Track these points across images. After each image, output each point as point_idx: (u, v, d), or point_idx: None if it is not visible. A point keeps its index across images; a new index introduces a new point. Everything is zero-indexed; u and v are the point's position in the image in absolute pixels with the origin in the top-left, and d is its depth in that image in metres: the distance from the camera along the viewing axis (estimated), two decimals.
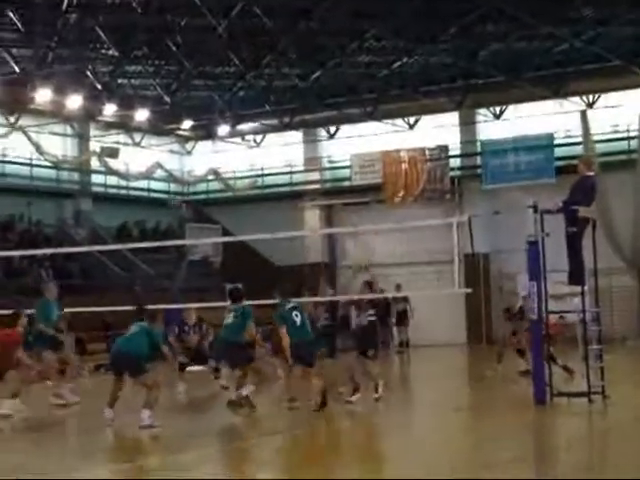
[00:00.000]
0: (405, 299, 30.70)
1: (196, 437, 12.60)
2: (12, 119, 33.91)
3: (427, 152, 35.17)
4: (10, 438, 13.67)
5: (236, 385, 14.75)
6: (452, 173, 35.28)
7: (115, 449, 12.39)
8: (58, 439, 13.81)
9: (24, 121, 33.95)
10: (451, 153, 35.34)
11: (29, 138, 33.21)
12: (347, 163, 37.11)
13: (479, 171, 34.93)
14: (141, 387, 13.49)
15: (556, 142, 33.58)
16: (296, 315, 14.63)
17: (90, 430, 13.58)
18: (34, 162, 34.51)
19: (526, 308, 16.42)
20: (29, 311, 16.42)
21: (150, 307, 14.52)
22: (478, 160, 35.24)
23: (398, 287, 28.60)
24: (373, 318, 16.14)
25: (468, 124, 35.62)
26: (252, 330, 15.00)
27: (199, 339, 19.33)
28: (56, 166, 35.55)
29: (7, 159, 33.92)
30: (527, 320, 16.15)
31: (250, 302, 17.61)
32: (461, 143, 35.82)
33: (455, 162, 35.87)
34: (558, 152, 33.32)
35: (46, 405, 16.12)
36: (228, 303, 15.17)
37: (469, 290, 20.23)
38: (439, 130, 35.59)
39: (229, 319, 14.61)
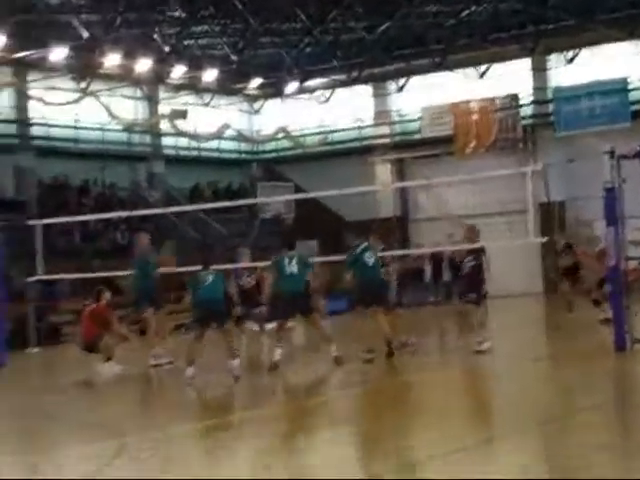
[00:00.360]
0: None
1: (271, 393, 12.70)
2: (83, 85, 34.19)
3: (498, 101, 34.68)
4: (101, 397, 13.89)
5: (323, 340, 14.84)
6: (524, 121, 34.74)
7: (201, 406, 12.49)
8: (148, 397, 13.99)
9: (95, 86, 34.20)
10: (523, 101, 34.79)
11: (100, 103, 33.48)
12: (417, 116, 36.77)
13: (552, 118, 34.35)
14: (223, 336, 13.63)
15: (631, 86, 32.86)
16: (368, 257, 14.77)
17: (175, 388, 13.76)
18: (106, 127, 34.82)
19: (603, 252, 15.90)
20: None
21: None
22: (551, 107, 34.65)
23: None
24: (473, 263, 15.89)
25: (540, 70, 34.99)
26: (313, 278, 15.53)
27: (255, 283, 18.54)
28: (127, 130, 35.84)
29: (80, 125, 34.26)
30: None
31: (322, 258, 17.73)
32: (533, 90, 35.21)
33: (527, 110, 35.30)
34: (633, 96, 32.63)
35: (139, 365, 16.26)
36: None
37: (544, 239, 19.91)
38: (510, 78, 35.01)
39: (293, 268, 14.68)
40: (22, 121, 32.98)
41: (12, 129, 33.07)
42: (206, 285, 14.14)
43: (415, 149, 36.54)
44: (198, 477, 7.79)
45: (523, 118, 34.75)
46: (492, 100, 34.69)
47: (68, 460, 8.84)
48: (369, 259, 14.80)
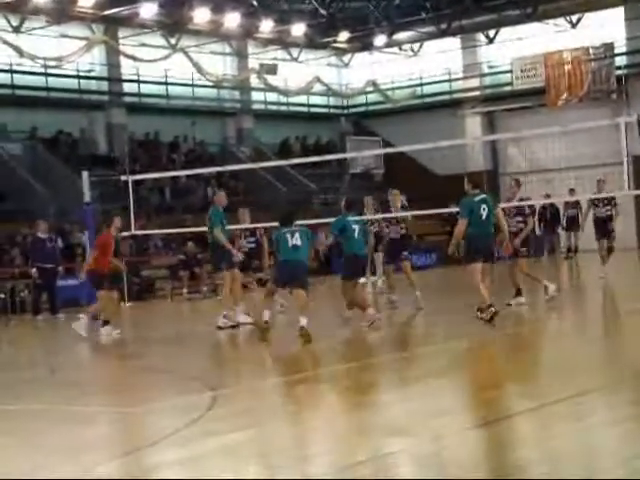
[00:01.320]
0: (576, 204, 29.76)
1: (357, 349, 12.68)
2: (173, 41, 34.40)
3: (591, 51, 33.90)
4: (187, 351, 14.07)
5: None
6: (618, 72, 33.93)
7: (278, 362, 12.55)
8: (221, 354, 14.14)
9: (184, 42, 34.41)
10: (617, 51, 33.94)
11: (190, 59, 33.66)
12: (508, 67, 36.19)
13: None
14: (297, 295, 13.64)
15: None
16: (483, 209, 13.56)
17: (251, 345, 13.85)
18: (196, 82, 35.03)
19: None
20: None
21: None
22: None
23: (571, 192, 27.64)
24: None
25: (635, 19, 34.05)
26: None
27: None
28: (217, 85, 36.00)
29: (170, 81, 34.52)
30: None
31: (413, 212, 17.55)
32: (627, 40, 34.32)
33: (621, 60, 34.45)
34: None
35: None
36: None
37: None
38: (603, 27, 34.16)
39: (356, 233, 14.59)
40: (113, 78, 33.37)
41: (104, 86, 33.51)
42: (295, 245, 13.63)
43: (506, 101, 36.02)
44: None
45: (618, 68, 33.93)
46: (586, 49, 33.93)
47: (164, 413, 8.97)
48: (483, 212, 13.60)
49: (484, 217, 13.57)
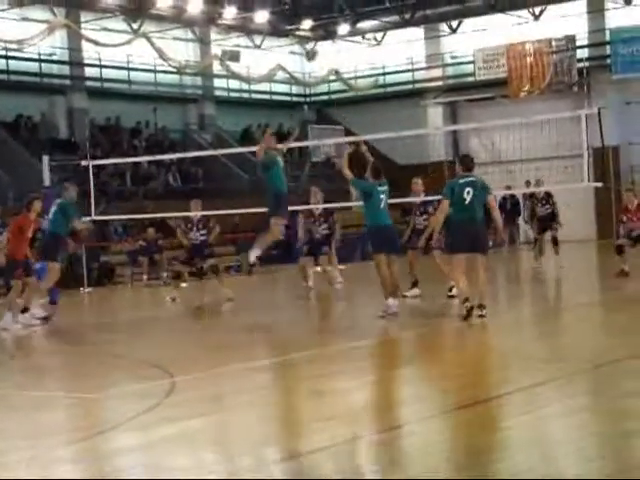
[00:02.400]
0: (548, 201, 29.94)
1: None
2: (135, 26, 34.17)
3: (553, 43, 34.07)
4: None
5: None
6: (580, 64, 34.17)
7: (239, 348, 12.56)
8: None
9: (147, 27, 34.19)
10: (578, 43, 34.17)
11: (152, 44, 33.45)
12: (470, 58, 36.29)
13: (608, 61, 33.76)
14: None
15: None
16: (467, 192, 12.57)
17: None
18: (158, 68, 34.84)
19: None
20: None
21: None
22: (607, 49, 34.02)
23: (527, 184, 27.84)
24: None
25: (596, 12, 34.31)
26: None
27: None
28: (179, 71, 35.82)
29: (132, 66, 34.30)
30: None
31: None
32: (589, 32, 34.57)
33: (583, 52, 34.69)
34: None
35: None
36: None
37: (599, 184, 19.68)
38: (565, 20, 34.38)
39: (382, 203, 13.63)
40: (75, 62, 33.09)
41: (65, 70, 33.23)
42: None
43: (468, 92, 36.14)
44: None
45: (579, 60, 34.17)
46: (548, 41, 34.11)
47: (122, 399, 8.95)
48: (467, 196, 12.57)
49: (468, 201, 12.51)
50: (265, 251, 15.12)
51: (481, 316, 12.48)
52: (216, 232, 18.55)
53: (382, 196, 13.68)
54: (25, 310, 15.26)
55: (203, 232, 18.20)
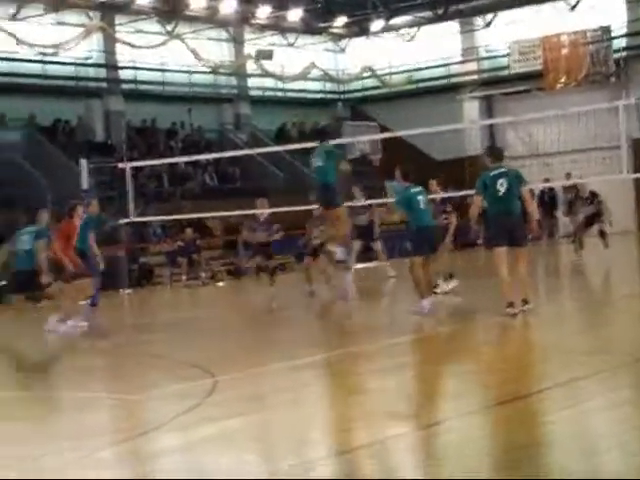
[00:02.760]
0: (574, 188, 29.77)
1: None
2: (169, 27, 34.31)
3: (589, 34, 33.81)
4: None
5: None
6: (617, 54, 33.85)
7: (280, 346, 12.59)
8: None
9: (181, 29, 34.31)
10: (615, 33, 33.86)
11: (186, 45, 33.57)
12: (505, 51, 36.10)
13: None
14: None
15: None
16: (501, 184, 12.31)
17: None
18: (192, 69, 34.96)
19: None
20: None
21: None
22: None
23: (568, 176, 27.68)
24: None
25: (634, 1, 33.96)
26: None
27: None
28: (214, 72, 35.93)
29: (166, 67, 34.44)
30: None
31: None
32: (628, 22, 34.22)
33: (620, 42, 34.36)
34: None
35: None
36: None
37: (638, 175, 19.52)
38: (602, 10, 34.05)
39: (422, 204, 13.53)
40: (111, 65, 33.30)
41: (101, 73, 33.43)
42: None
43: (504, 85, 35.94)
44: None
45: (616, 51, 33.86)
46: (584, 32, 33.83)
47: (162, 400, 8.99)
48: (501, 187, 12.31)
49: (502, 193, 12.24)
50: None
51: (523, 311, 12.27)
52: (280, 232, 18.54)
53: (419, 197, 13.58)
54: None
55: (269, 231, 18.25)
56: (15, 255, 15.11)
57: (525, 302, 12.34)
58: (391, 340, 11.54)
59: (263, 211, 18.56)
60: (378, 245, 20.86)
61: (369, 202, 18.93)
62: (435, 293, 14.90)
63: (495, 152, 12.93)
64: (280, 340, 12.54)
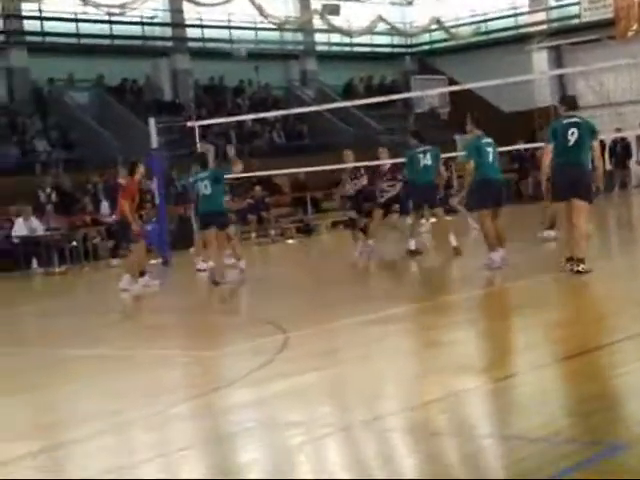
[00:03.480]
0: None
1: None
2: None
3: None
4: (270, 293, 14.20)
5: None
6: None
7: (351, 303, 12.62)
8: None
9: None
10: None
11: (252, 2, 33.47)
12: (575, 0, 35.40)
13: None
14: None
15: None
16: (571, 133, 11.67)
17: None
18: (258, 25, 34.88)
19: None
20: None
21: None
22: None
23: None
24: None
25: None
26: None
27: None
28: (280, 28, 35.81)
29: (232, 24, 34.41)
30: None
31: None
32: None
33: None
34: None
35: None
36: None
37: None
38: None
39: (490, 156, 13.38)
40: (177, 24, 33.37)
41: (168, 32, 33.54)
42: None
43: (573, 35, 35.26)
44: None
45: None
46: None
47: (236, 356, 9.10)
48: (572, 137, 11.67)
49: (572, 143, 11.61)
50: None
51: (578, 272, 11.53)
52: (363, 182, 18.08)
53: (488, 149, 13.41)
54: (142, 274, 15.53)
55: (356, 182, 17.89)
56: None
57: (579, 262, 11.60)
58: (461, 295, 11.51)
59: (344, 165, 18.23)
60: (454, 200, 20.99)
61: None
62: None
63: (569, 100, 12.55)
64: (354, 295, 12.57)
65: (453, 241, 15.49)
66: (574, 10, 35.64)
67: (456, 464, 5.28)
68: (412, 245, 16.03)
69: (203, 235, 16.20)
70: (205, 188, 15.33)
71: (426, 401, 6.52)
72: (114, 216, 17.27)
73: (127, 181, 15.63)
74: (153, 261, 16.36)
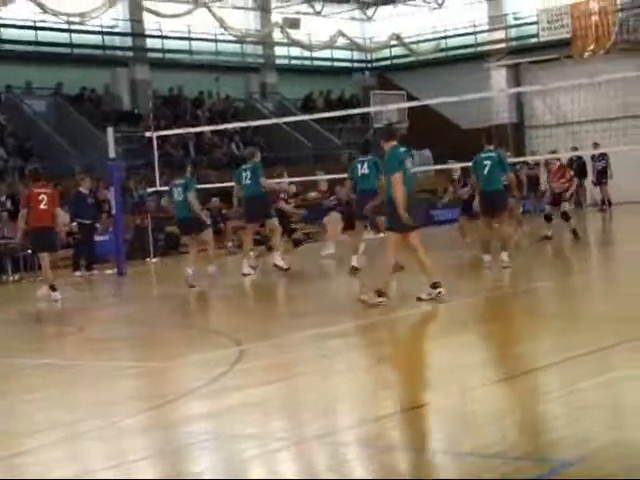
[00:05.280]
0: (603, 157, 29.83)
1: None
2: None
3: (619, 1, 33.40)
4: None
5: None
6: None
7: (307, 315, 12.62)
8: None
9: None
10: None
11: (213, 14, 33.47)
12: (534, 19, 35.75)
13: None
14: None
15: None
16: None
17: None
18: (219, 37, 34.86)
19: None
20: None
21: None
22: None
23: (595, 145, 27.72)
24: None
25: None
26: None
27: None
28: (240, 40, 35.82)
29: (193, 36, 34.35)
30: None
31: (438, 166, 17.58)
32: None
33: None
34: None
35: None
36: None
37: None
38: None
39: (485, 170, 14.56)
40: (137, 34, 33.27)
41: (128, 42, 33.42)
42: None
43: (532, 53, 35.63)
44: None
45: None
46: (613, 0, 33.42)
47: (190, 367, 9.05)
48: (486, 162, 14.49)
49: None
50: None
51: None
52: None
53: (485, 162, 14.48)
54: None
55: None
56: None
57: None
58: (411, 310, 11.54)
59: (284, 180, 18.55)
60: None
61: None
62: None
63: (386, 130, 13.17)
64: (306, 310, 12.56)
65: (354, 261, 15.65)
66: (533, 29, 36.00)
67: (409, 479, 5.29)
68: (354, 261, 15.81)
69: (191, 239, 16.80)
70: (179, 195, 15.97)
71: (379, 416, 6.53)
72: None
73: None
74: (109, 271, 16.24)
